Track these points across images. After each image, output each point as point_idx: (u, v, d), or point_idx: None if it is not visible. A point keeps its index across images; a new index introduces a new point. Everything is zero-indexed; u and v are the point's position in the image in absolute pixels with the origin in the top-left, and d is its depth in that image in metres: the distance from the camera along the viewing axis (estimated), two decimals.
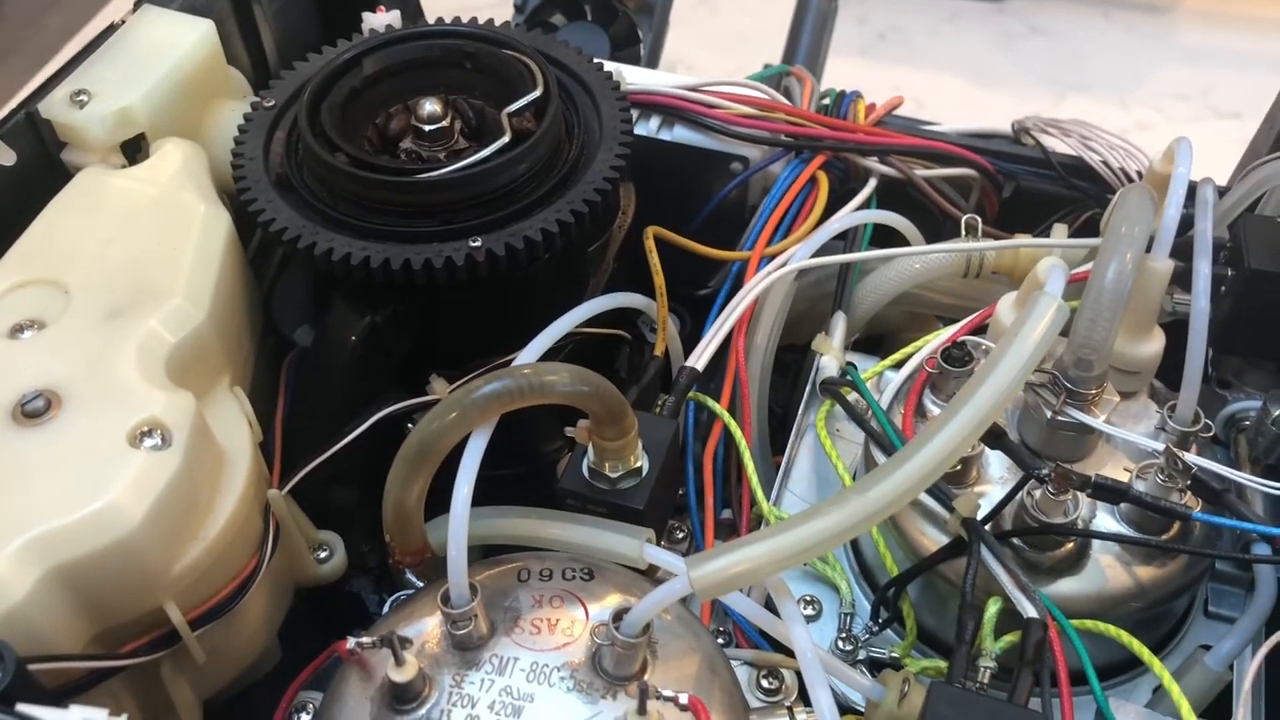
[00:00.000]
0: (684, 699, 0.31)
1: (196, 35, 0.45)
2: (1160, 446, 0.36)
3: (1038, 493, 0.36)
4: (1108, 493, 0.35)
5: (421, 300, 0.43)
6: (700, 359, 0.44)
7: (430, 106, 0.43)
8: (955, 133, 0.56)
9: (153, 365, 0.36)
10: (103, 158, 0.43)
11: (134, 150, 0.43)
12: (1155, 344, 0.40)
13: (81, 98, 0.42)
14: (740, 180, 0.52)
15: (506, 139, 0.41)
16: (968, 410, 0.32)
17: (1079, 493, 0.36)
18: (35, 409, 0.34)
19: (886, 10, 1.37)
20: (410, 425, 0.44)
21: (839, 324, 0.49)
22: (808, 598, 0.42)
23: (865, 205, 0.52)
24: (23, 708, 0.28)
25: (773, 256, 0.49)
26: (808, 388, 0.48)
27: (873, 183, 0.52)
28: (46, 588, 0.31)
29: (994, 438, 0.37)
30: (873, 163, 0.52)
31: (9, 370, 0.35)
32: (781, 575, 0.36)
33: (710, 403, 0.45)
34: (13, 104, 0.41)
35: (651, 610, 0.32)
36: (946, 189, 0.54)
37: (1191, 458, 0.35)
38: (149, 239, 0.39)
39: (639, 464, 0.39)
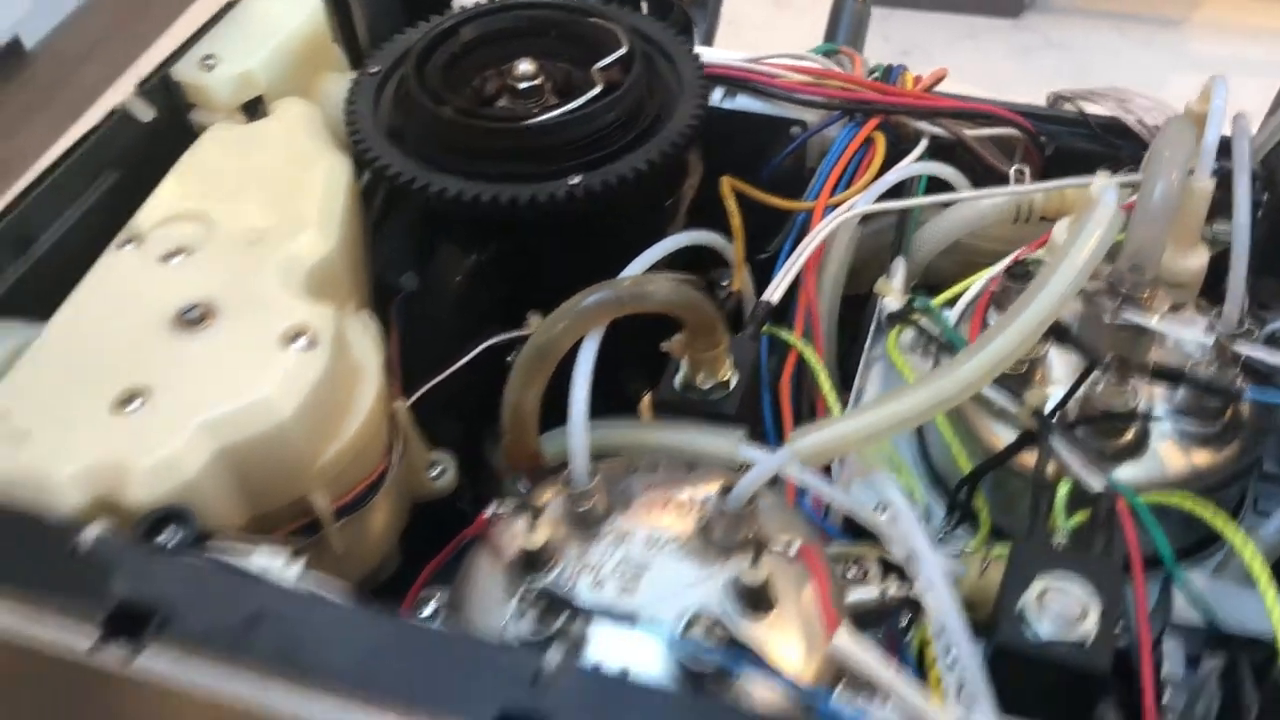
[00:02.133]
0: (794, 550, 0.34)
1: (306, 10, 0.50)
2: (1210, 341, 0.40)
3: (1100, 385, 0.40)
4: (1166, 375, 0.38)
5: (520, 241, 0.46)
6: (775, 293, 0.48)
7: (525, 66, 0.47)
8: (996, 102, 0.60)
9: (293, 284, 0.40)
10: (227, 117, 0.47)
11: (254, 111, 0.47)
12: (1200, 258, 0.44)
13: (209, 61, 0.46)
14: (801, 141, 0.56)
15: (598, 90, 0.46)
16: (1042, 296, 0.36)
17: (1138, 383, 0.39)
18: (193, 318, 0.38)
19: (908, 28, 1.42)
20: (511, 359, 0.48)
21: (899, 268, 0.52)
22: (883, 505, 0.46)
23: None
24: (214, 544, 0.32)
25: (834, 208, 0.53)
26: (872, 325, 0.51)
27: (924, 142, 0.56)
28: (214, 468, 0.35)
29: (1059, 333, 0.40)
30: (923, 124, 0.56)
31: (165, 288, 0.39)
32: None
33: (785, 334, 0.48)
34: (150, 69, 0.46)
35: (757, 480, 0.36)
36: (992, 148, 0.58)
37: (1241, 346, 0.39)
38: (279, 178, 0.43)
39: (727, 377, 0.43)
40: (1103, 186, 0.43)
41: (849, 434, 0.35)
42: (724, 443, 0.42)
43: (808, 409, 0.51)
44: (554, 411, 0.39)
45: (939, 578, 0.34)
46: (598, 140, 0.45)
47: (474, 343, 0.46)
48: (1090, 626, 0.33)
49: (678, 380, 0.43)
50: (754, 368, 0.44)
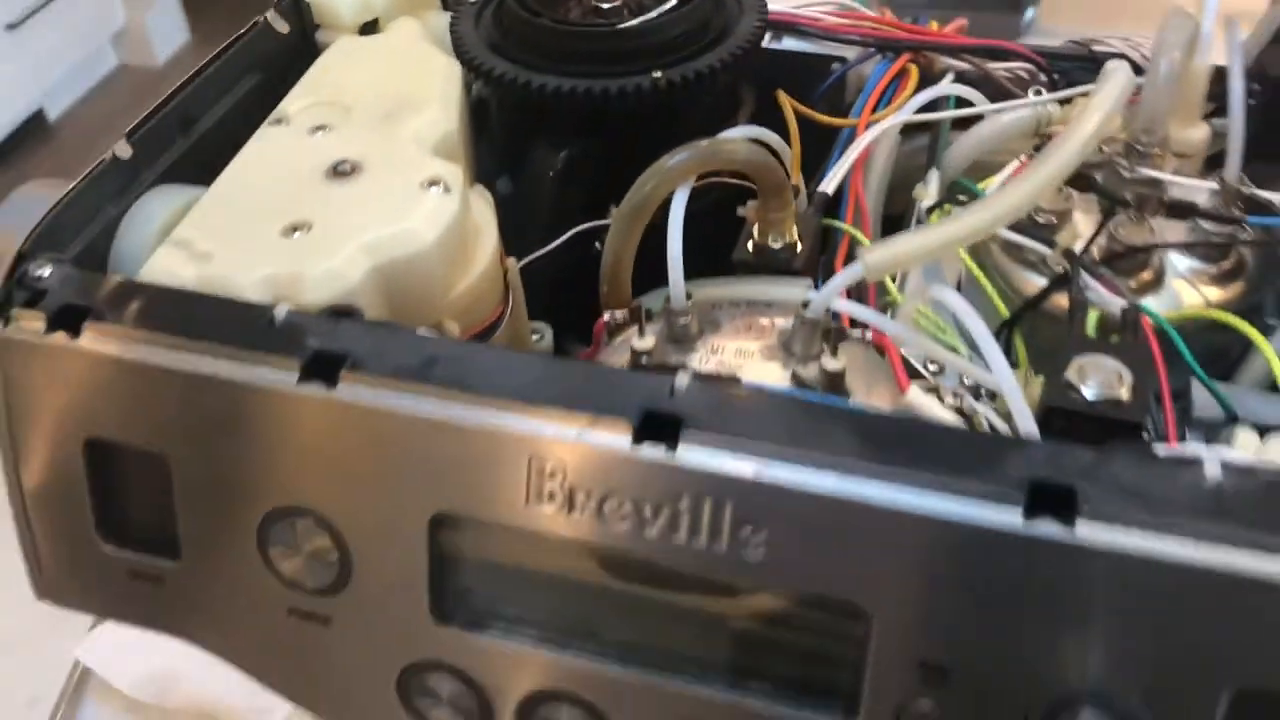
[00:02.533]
0: (869, 334, 0.40)
1: None
2: (1216, 186, 0.46)
3: (1122, 226, 0.46)
4: (1180, 211, 0.44)
5: (606, 137, 0.53)
6: (830, 184, 0.54)
7: None
8: None
9: (425, 149, 0.46)
10: (348, 36, 0.53)
11: (370, 31, 0.54)
12: (1201, 131, 0.50)
13: None
14: (843, 72, 0.63)
15: (673, 3, 0.53)
16: (1073, 134, 0.42)
17: (1154, 224, 0.45)
18: (344, 169, 0.44)
19: None
20: (598, 245, 0.54)
21: (934, 177, 0.59)
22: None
23: None
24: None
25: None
26: (912, 221, 0.57)
27: (951, 74, 0.63)
28: (370, 282, 0.41)
29: (1083, 183, 0.46)
30: (949, 60, 0.63)
31: (316, 151, 0.45)
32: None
33: (836, 222, 0.55)
34: None
35: (835, 289, 0.42)
36: (1010, 81, 0.64)
37: (1243, 187, 0.45)
38: (401, 74, 0.50)
39: (794, 239, 0.49)
40: (1114, 67, 0.49)
41: (914, 248, 0.41)
42: (796, 289, 0.48)
43: (855, 293, 0.57)
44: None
45: (1000, 361, 0.39)
46: (674, 44, 0.52)
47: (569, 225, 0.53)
48: (1126, 391, 0.38)
49: (750, 243, 0.49)
50: (817, 234, 0.50)
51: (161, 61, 2.39)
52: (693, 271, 0.45)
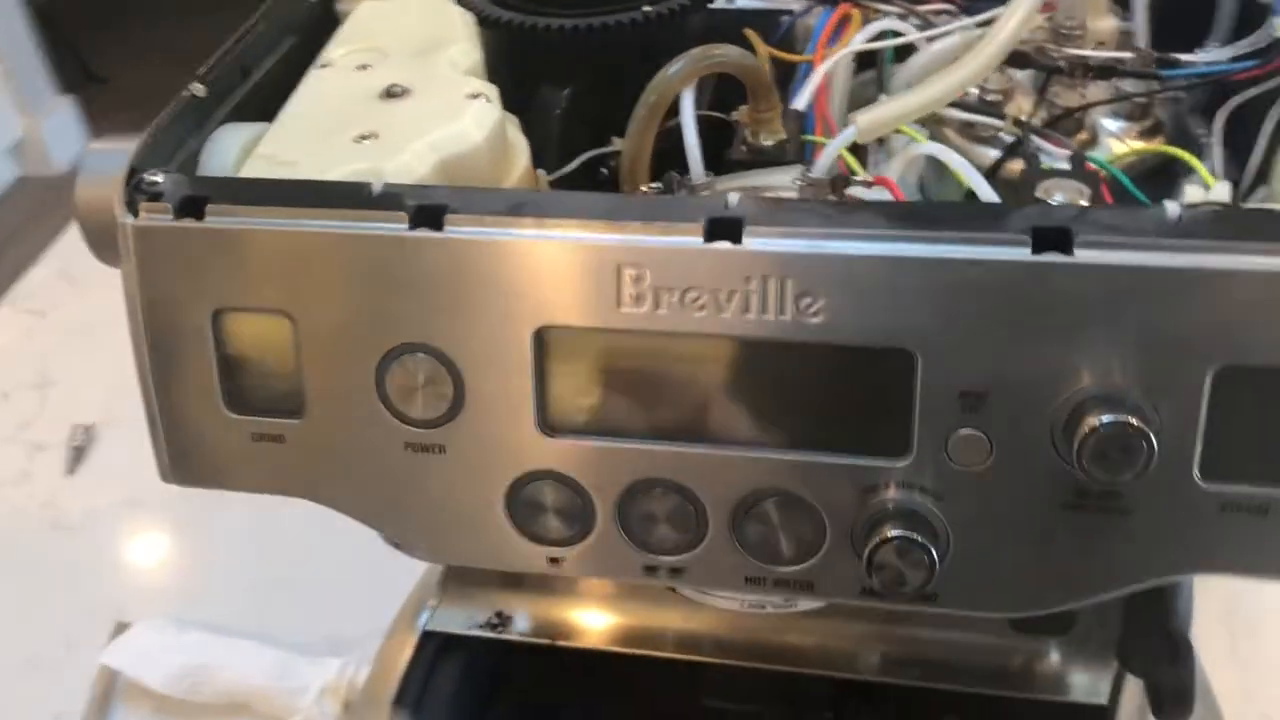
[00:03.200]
0: (871, 177, 0.47)
1: None
2: (1132, 55, 0.55)
3: (1059, 95, 0.54)
4: (1106, 71, 0.53)
5: (604, 72, 0.60)
6: (801, 101, 0.62)
7: None
8: None
9: (461, 71, 0.52)
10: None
11: None
12: (1111, 21, 0.59)
13: None
14: (790, 23, 0.71)
15: None
16: (1013, 15, 0.50)
17: (1085, 88, 0.54)
18: (396, 91, 0.50)
19: None
20: (603, 170, 0.60)
21: (882, 99, 0.67)
22: None
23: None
24: None
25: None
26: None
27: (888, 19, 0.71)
28: (434, 177, 0.47)
29: (1021, 61, 0.54)
30: (880, 5, 0.72)
31: (364, 81, 0.51)
32: None
33: (809, 137, 0.62)
34: None
35: (834, 150, 0.49)
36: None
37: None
38: (425, 20, 0.56)
39: (783, 136, 0.56)
40: None
41: (899, 109, 0.49)
42: (792, 173, 0.55)
43: None
44: None
45: (990, 192, 0.47)
46: None
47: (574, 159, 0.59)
48: (1087, 201, 0.46)
49: (744, 145, 0.56)
50: (801, 128, 0.58)
51: (60, 171, 2.34)
52: None
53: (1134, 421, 0.36)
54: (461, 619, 0.78)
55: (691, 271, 0.38)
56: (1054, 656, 0.70)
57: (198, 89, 0.49)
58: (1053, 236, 0.36)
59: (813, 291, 0.38)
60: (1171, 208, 0.37)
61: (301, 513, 1.04)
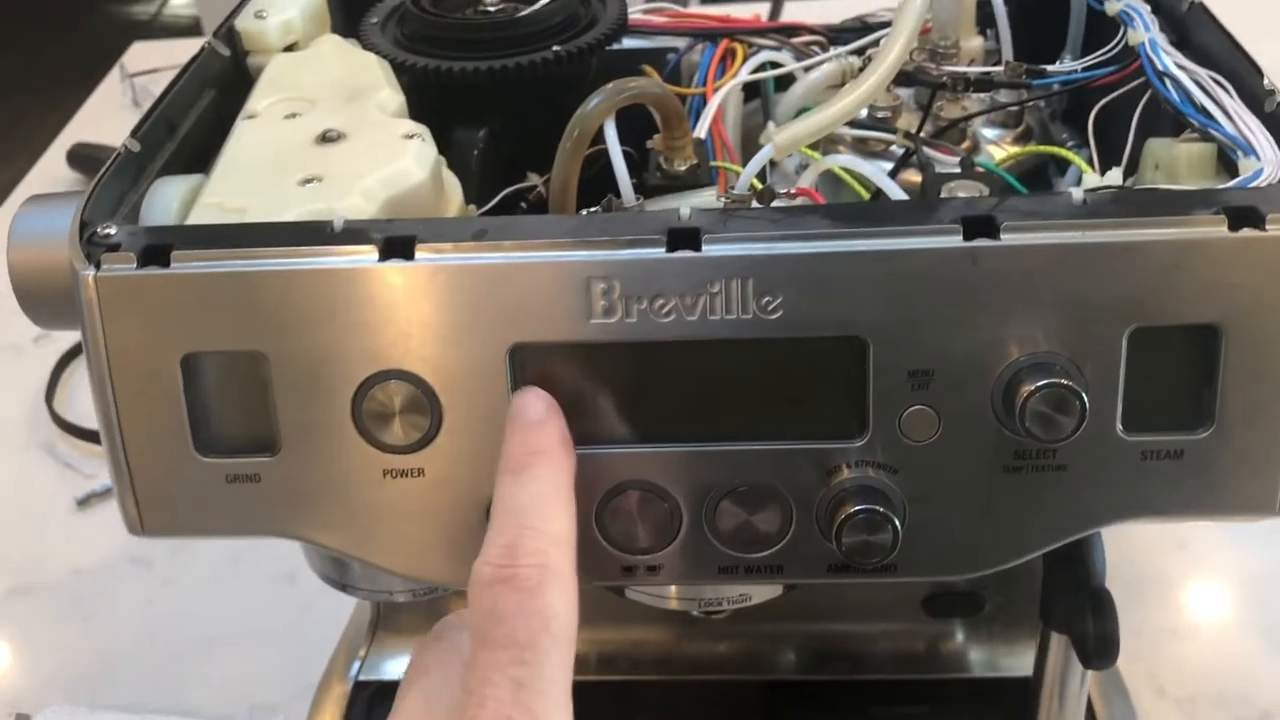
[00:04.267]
0: (794, 189, 0.51)
1: None
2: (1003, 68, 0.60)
3: (943, 108, 0.59)
4: (982, 85, 0.58)
5: (515, 111, 0.62)
6: (701, 129, 0.66)
7: None
8: None
9: (390, 114, 0.54)
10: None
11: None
12: (978, 41, 0.65)
13: (262, 14, 0.60)
14: (676, 60, 0.75)
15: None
16: (898, 37, 0.55)
17: (966, 101, 0.59)
18: (332, 136, 0.51)
19: None
20: (523, 205, 0.63)
21: (770, 128, 0.71)
22: None
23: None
24: None
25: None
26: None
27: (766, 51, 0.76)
28: (382, 216, 0.48)
29: (906, 79, 0.59)
30: (758, 40, 0.77)
31: (297, 129, 0.52)
32: None
33: (713, 163, 0.66)
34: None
35: (754, 168, 0.52)
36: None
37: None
38: (345, 68, 0.58)
39: (695, 161, 0.60)
40: None
41: (810, 125, 0.52)
42: (708, 194, 0.58)
43: None
44: None
45: (900, 193, 0.51)
46: (561, 27, 0.63)
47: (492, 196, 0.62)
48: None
49: (659, 171, 0.60)
50: (706, 156, 0.61)
51: None
52: None
53: (1066, 383, 0.40)
54: (394, 666, 0.78)
55: (657, 280, 0.41)
56: (968, 636, 0.75)
57: (132, 144, 0.49)
58: (980, 224, 0.41)
59: (771, 290, 0.41)
60: (1076, 193, 0.42)
61: (204, 574, 1.01)
